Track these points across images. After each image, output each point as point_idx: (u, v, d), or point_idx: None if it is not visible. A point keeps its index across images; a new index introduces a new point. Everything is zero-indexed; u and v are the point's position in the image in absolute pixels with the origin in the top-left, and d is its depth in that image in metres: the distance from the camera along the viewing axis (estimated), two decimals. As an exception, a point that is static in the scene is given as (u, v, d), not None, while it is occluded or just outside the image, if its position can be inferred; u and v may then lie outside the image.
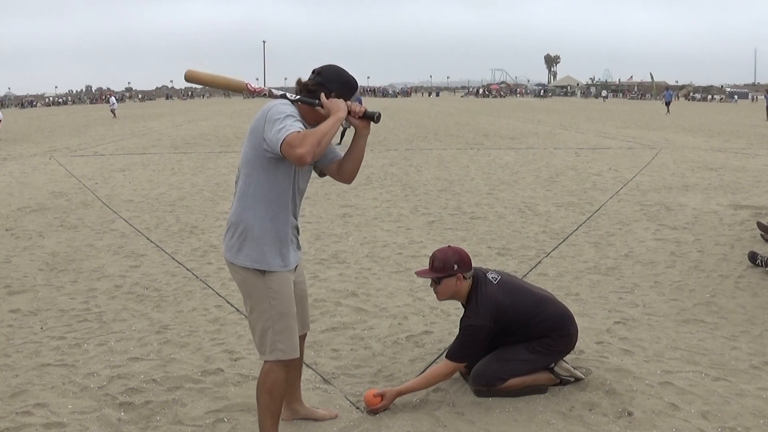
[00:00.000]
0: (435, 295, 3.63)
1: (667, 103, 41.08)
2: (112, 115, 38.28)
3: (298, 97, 2.80)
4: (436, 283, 3.53)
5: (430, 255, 3.60)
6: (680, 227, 7.59)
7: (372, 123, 2.86)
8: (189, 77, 2.84)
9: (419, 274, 3.62)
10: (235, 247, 2.81)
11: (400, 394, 3.41)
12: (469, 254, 3.61)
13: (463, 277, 3.49)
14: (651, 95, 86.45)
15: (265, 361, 2.89)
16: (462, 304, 3.61)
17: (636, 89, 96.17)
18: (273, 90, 2.87)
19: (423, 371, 3.81)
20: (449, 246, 3.63)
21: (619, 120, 31.12)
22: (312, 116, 2.82)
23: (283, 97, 2.82)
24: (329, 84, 2.79)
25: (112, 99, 43.86)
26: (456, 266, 3.47)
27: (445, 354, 3.56)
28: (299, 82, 2.87)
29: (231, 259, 2.84)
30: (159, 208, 9.06)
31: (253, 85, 2.86)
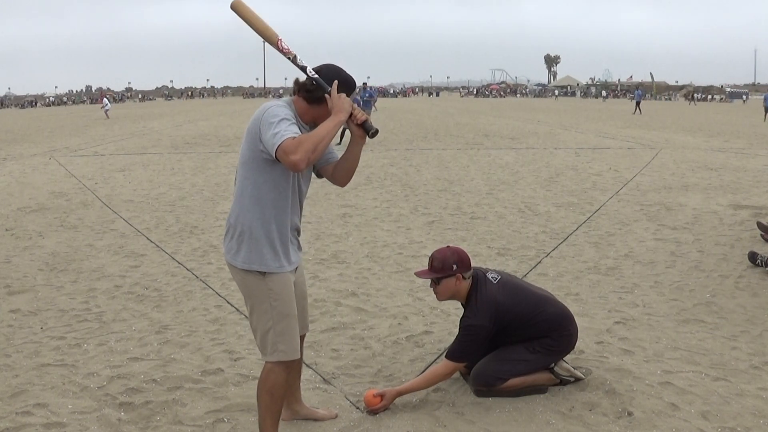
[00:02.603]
0: (435, 296, 3.63)
1: (637, 103, 39.69)
2: (105, 117, 37.18)
3: (316, 76, 2.76)
4: (435, 283, 3.53)
5: (429, 255, 3.60)
6: (680, 227, 7.59)
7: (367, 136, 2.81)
8: (234, 6, 2.78)
9: (418, 274, 3.62)
10: (234, 248, 2.80)
11: (400, 394, 3.40)
12: (469, 254, 3.61)
13: (463, 277, 3.49)
14: (651, 95, 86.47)
15: (266, 362, 2.88)
16: (462, 304, 3.61)
17: (619, 89, 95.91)
18: (298, 57, 2.82)
19: (423, 371, 3.81)
20: (448, 246, 3.63)
21: (619, 120, 31.12)
22: (310, 115, 2.80)
23: (303, 70, 2.79)
24: (329, 83, 2.76)
25: (105, 100, 42.81)
26: (455, 266, 3.46)
27: (444, 354, 3.56)
28: (296, 82, 2.83)
29: (230, 261, 2.84)
30: (159, 208, 9.06)
31: (284, 44, 2.81)
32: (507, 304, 3.49)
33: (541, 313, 3.55)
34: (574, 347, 3.70)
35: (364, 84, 25.87)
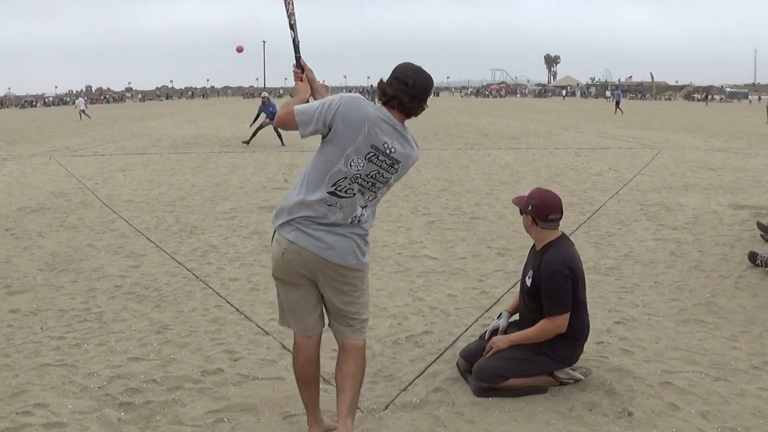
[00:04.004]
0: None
1: (617, 103, 39.89)
2: (78, 117, 36.10)
3: (295, 38, 3.11)
4: (521, 212, 3.67)
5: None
6: (680, 227, 7.59)
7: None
8: None
9: (517, 198, 3.76)
10: (275, 212, 2.97)
11: (512, 343, 3.53)
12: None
13: (535, 223, 3.56)
14: (651, 95, 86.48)
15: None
16: (536, 249, 3.64)
17: (610, 89, 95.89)
18: (294, 17, 3.17)
19: (423, 371, 3.82)
20: (548, 191, 3.65)
21: (619, 120, 31.13)
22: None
23: (291, 27, 3.17)
24: (391, 80, 2.86)
25: (79, 100, 41.58)
26: (530, 207, 3.56)
27: (545, 313, 3.49)
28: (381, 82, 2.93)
29: (273, 223, 2.96)
30: (159, 208, 9.06)
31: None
32: (579, 275, 3.51)
33: (580, 312, 3.55)
34: (577, 360, 3.65)
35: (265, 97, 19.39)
